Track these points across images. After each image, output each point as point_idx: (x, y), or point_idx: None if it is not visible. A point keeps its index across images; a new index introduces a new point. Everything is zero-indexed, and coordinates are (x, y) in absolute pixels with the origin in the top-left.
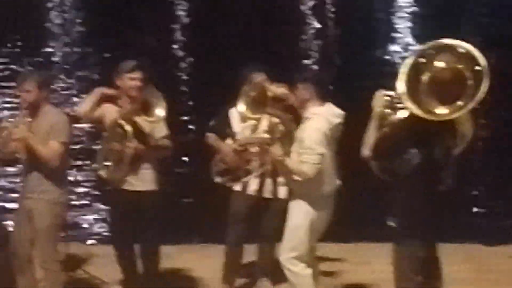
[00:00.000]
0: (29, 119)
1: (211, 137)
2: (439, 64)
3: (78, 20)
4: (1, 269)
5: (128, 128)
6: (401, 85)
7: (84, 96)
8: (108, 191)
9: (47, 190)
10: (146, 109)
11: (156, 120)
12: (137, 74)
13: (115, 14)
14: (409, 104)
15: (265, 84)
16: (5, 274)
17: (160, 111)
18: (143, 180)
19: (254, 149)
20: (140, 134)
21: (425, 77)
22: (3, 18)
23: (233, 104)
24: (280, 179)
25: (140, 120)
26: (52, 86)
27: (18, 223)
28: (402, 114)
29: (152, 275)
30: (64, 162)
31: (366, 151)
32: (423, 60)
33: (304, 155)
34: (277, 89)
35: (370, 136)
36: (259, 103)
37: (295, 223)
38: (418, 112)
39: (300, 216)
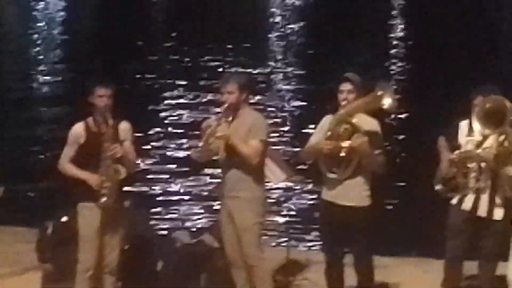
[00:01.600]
0: (230, 119)
1: (441, 141)
2: None
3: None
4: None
5: (355, 122)
6: None
7: None
8: (319, 203)
9: (246, 188)
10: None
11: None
12: (345, 87)
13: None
14: None
15: (503, 100)
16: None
17: (387, 100)
18: (356, 196)
19: (471, 164)
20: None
21: None
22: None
23: (465, 116)
24: (498, 200)
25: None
26: (252, 89)
27: (222, 223)
28: None
29: (366, 286)
30: (262, 161)
31: None
32: None
33: None
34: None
35: None
36: (495, 120)
37: None
38: None
39: None
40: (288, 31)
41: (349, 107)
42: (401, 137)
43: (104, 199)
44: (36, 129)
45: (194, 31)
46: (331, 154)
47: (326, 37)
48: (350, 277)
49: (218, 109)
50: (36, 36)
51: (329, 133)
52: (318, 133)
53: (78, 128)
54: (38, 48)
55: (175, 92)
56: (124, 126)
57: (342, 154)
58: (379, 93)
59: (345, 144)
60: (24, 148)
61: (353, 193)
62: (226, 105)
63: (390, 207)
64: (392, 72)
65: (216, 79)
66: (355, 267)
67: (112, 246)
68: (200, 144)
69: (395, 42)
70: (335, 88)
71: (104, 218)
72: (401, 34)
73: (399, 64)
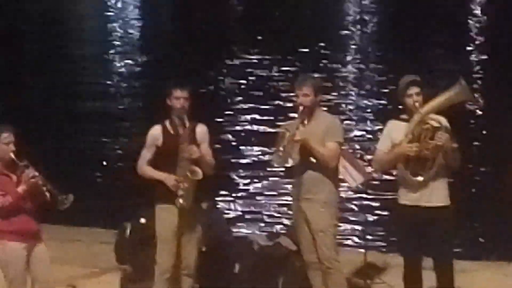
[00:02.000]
0: (305, 122)
1: None
2: None
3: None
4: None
5: (435, 120)
6: None
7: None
8: (396, 208)
9: (322, 191)
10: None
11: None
12: (413, 90)
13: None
14: None
15: None
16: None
17: (466, 97)
18: (440, 196)
19: None
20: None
21: None
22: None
23: None
24: None
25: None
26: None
27: (297, 226)
28: None
29: None
30: (337, 163)
31: None
32: None
33: None
34: None
35: None
36: None
37: None
38: None
39: None
40: (366, 30)
41: (428, 107)
42: (481, 137)
43: (181, 200)
44: (114, 131)
45: (270, 34)
46: (415, 157)
47: (403, 35)
48: (428, 281)
49: (293, 114)
50: (113, 38)
51: (409, 136)
52: (386, 140)
53: (156, 131)
54: (114, 51)
55: (252, 94)
56: (201, 129)
57: (428, 153)
58: (457, 90)
59: (431, 144)
60: (103, 150)
61: (437, 193)
62: (301, 108)
63: (470, 209)
64: (470, 70)
65: (291, 82)
66: (435, 271)
67: (190, 248)
68: (280, 148)
69: (473, 38)
70: (401, 94)
71: (182, 220)
72: (479, 30)
73: (477, 62)
